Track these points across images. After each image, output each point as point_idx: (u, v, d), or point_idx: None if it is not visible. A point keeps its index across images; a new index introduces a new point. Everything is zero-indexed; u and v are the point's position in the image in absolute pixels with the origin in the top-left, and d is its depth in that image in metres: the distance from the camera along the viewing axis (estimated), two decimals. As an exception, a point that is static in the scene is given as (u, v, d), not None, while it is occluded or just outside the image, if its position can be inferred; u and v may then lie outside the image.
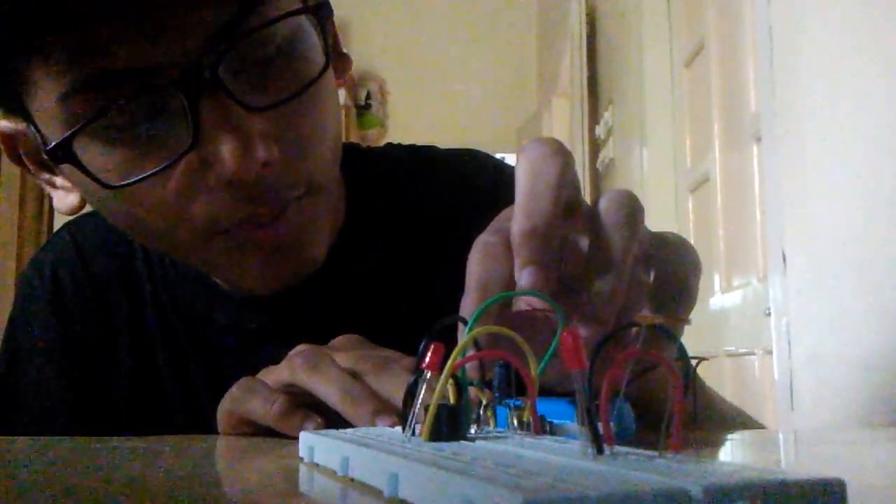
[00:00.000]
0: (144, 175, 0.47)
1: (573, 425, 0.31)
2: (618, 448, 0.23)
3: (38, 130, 0.49)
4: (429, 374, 0.28)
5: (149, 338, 0.64)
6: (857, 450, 0.43)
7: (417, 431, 0.28)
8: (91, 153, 0.48)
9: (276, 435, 0.47)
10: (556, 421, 0.32)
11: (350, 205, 0.65)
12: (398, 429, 0.32)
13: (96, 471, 0.34)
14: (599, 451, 0.22)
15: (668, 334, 0.26)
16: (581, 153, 2.78)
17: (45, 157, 0.49)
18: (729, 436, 0.48)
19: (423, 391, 0.29)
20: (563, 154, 0.36)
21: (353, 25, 3.79)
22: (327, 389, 0.46)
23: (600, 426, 0.23)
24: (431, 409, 0.27)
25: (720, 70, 1.89)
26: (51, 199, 0.59)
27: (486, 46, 4.07)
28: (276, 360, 0.49)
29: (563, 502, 0.17)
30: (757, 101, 1.49)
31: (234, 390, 0.50)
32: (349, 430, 0.35)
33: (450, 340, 0.28)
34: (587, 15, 2.81)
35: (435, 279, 0.64)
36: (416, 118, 3.82)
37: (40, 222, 2.88)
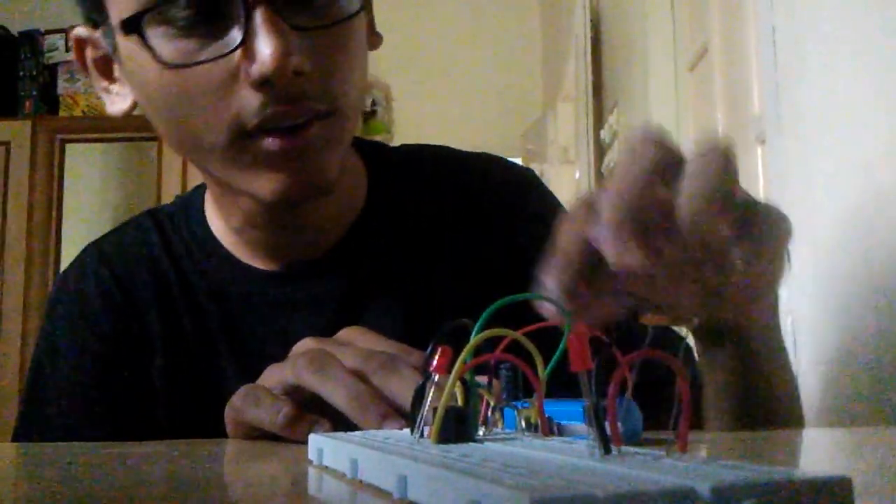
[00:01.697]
0: (198, 60, 0.54)
1: (581, 426, 0.31)
2: (625, 448, 0.23)
3: (111, 31, 0.58)
4: (437, 377, 0.29)
5: (176, 315, 0.67)
6: (863, 448, 0.43)
7: (426, 434, 0.28)
8: (155, 39, 0.55)
9: (284, 438, 0.47)
10: (563, 422, 0.32)
11: (370, 192, 0.70)
12: (407, 431, 0.33)
13: (105, 475, 0.34)
14: (607, 451, 0.22)
15: (674, 334, 0.27)
16: (586, 157, 2.78)
17: (121, 29, 0.56)
18: (735, 435, 0.48)
19: (431, 394, 0.29)
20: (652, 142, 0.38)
21: (357, 32, 3.77)
22: (334, 393, 0.45)
23: (608, 426, 0.23)
24: (439, 412, 0.27)
25: (724, 73, 1.89)
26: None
27: (490, 52, 4.06)
28: (295, 331, 0.54)
29: (571, 502, 0.17)
30: (760, 103, 1.49)
31: (237, 400, 0.50)
32: (358, 433, 0.35)
33: (458, 343, 0.28)
34: (591, 20, 2.81)
35: (440, 274, 0.66)
36: (422, 124, 3.81)
37: (48, 236, 2.88)
